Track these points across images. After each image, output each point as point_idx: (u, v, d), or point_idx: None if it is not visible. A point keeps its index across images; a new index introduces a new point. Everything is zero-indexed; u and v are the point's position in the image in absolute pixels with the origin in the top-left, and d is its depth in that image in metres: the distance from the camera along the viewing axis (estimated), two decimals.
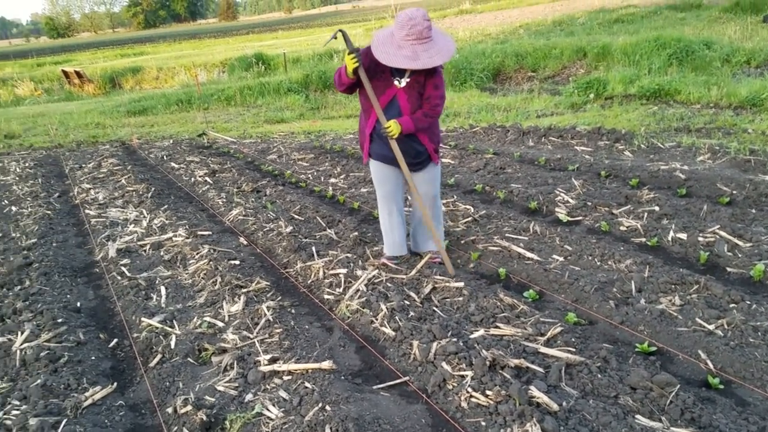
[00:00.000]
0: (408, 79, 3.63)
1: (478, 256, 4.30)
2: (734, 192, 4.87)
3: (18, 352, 3.36)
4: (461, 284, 3.71)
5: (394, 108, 3.67)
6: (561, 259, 4.06)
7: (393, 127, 3.59)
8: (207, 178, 7.46)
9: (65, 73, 25.26)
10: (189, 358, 3.25)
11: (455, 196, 5.53)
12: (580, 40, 15.18)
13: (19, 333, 3.55)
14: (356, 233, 4.79)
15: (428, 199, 4.02)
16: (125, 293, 4.18)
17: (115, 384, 3.11)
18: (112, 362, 3.39)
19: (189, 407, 2.73)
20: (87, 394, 2.97)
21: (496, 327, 3.21)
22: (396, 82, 3.65)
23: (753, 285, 3.50)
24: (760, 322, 2.99)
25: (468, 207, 5.19)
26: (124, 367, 3.35)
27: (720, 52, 11.67)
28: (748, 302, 3.18)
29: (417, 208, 4.13)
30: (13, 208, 6.68)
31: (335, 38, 3.69)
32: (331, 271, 4.14)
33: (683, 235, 4.15)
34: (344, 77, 3.60)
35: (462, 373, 2.75)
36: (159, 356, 3.30)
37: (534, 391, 2.54)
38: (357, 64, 3.50)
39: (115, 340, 3.65)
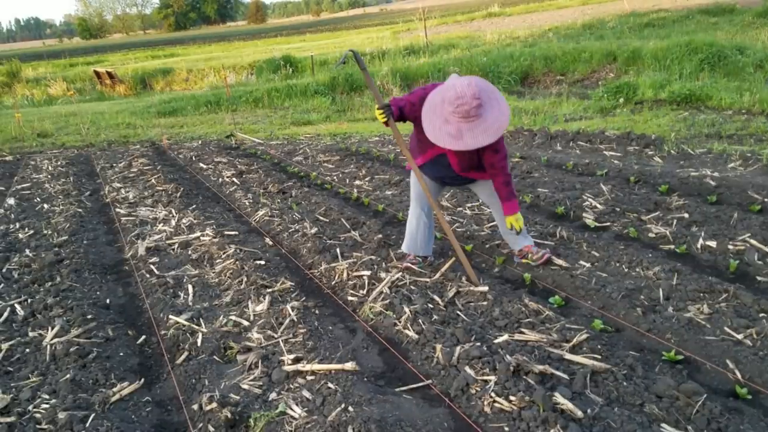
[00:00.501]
0: None
1: (503, 260, 4.28)
2: (766, 200, 4.77)
3: (48, 347, 3.44)
4: (485, 288, 3.69)
5: (441, 162, 3.70)
6: (588, 265, 4.02)
7: (516, 224, 3.75)
8: (234, 179, 7.55)
9: (97, 73, 25.78)
10: (215, 356, 3.29)
11: (481, 200, 5.50)
12: (610, 44, 15.03)
13: (50, 328, 3.64)
14: (380, 235, 4.80)
15: (496, 195, 3.93)
16: (153, 291, 4.25)
17: (143, 380, 3.16)
18: (139, 358, 3.45)
19: (214, 404, 2.77)
20: (115, 389, 3.02)
21: (521, 332, 3.19)
22: None
23: None
24: None
25: (489, 210, 5.16)
26: (151, 364, 3.40)
27: (753, 58, 11.44)
28: None
29: (495, 209, 4.07)
30: (45, 206, 6.84)
31: (345, 63, 3.68)
32: (355, 273, 4.16)
33: (713, 243, 4.07)
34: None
35: (485, 377, 2.74)
36: (185, 353, 3.35)
37: (558, 398, 2.52)
38: (385, 120, 3.51)
39: (143, 336, 3.71)
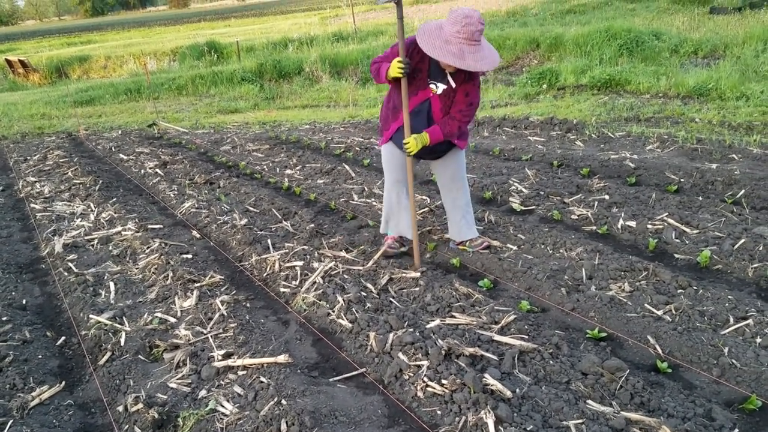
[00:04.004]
0: (445, 87, 3.55)
1: (434, 246, 4.32)
2: (682, 180, 5.03)
3: None
4: (417, 274, 3.72)
5: (423, 113, 3.60)
6: (515, 247, 4.12)
7: (412, 144, 3.52)
8: (158, 170, 7.28)
9: (9, 62, 24.24)
10: (140, 355, 3.17)
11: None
12: (533, 31, 15.40)
13: None
14: (313, 225, 4.75)
15: (455, 181, 3.94)
16: (73, 289, 4.05)
17: (64, 383, 3.02)
18: (59, 361, 3.28)
19: (140, 405, 2.67)
20: (34, 393, 2.87)
21: (452, 316, 3.23)
22: (432, 86, 3.57)
23: (700, 271, 3.62)
24: (707, 307, 3.10)
25: (424, 197, 5.21)
26: (72, 366, 3.24)
27: (669, 43, 12.01)
28: (695, 288, 3.28)
29: (446, 196, 4.07)
30: None
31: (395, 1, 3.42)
32: (287, 264, 4.10)
33: (632, 223, 4.25)
34: (383, 76, 3.49)
35: (418, 363, 2.76)
36: (108, 354, 3.21)
37: (488, 379, 2.57)
38: (402, 74, 3.38)
39: (63, 338, 3.53)
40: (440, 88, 3.57)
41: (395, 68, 3.37)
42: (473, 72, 3.55)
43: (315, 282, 3.78)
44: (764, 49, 10.29)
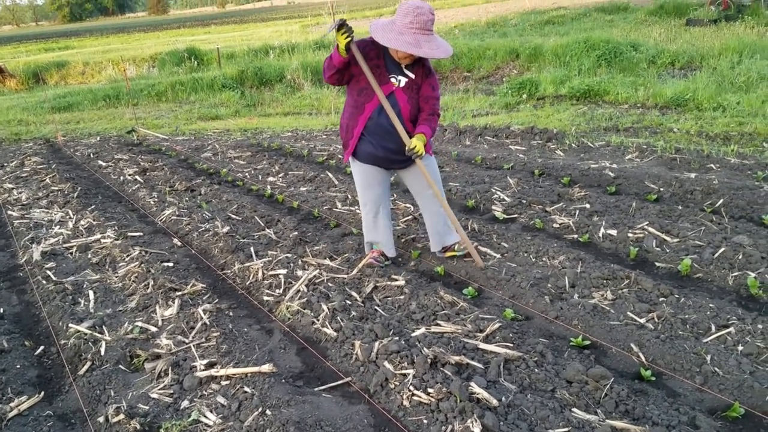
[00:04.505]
0: (406, 79, 3.55)
1: (418, 254, 4.32)
2: (661, 189, 5.09)
3: None
4: (402, 282, 3.72)
5: (392, 108, 3.56)
6: (498, 256, 4.14)
7: (419, 146, 3.50)
8: (137, 177, 7.19)
9: None
10: (120, 365, 3.12)
11: (395, 195, 5.54)
12: (512, 42, 15.54)
13: None
14: (296, 233, 4.73)
15: (431, 187, 3.86)
16: (51, 298, 3.97)
17: (43, 393, 2.96)
18: (38, 370, 3.22)
19: (121, 416, 2.62)
20: (12, 404, 2.81)
21: (437, 324, 3.23)
22: (393, 80, 3.55)
23: (681, 279, 3.67)
24: (688, 315, 3.13)
25: (408, 206, 5.22)
26: (51, 376, 3.18)
27: (646, 54, 12.19)
28: (677, 296, 3.32)
29: (424, 204, 4.03)
30: None
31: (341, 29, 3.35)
32: (271, 272, 4.07)
33: (613, 232, 4.30)
34: (336, 58, 3.40)
35: (404, 371, 2.75)
36: (88, 364, 3.14)
37: (474, 388, 2.57)
38: (349, 39, 3.32)
39: (42, 347, 3.46)
40: (402, 81, 3.56)
41: (340, 38, 3.31)
42: (429, 66, 3.62)
43: (299, 290, 3.76)
44: (740, 60, 10.50)
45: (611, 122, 8.18)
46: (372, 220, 4.00)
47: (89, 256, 4.69)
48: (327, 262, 4.16)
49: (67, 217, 5.67)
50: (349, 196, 5.65)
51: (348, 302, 3.53)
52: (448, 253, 4.16)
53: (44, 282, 4.24)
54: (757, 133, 6.83)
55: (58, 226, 5.42)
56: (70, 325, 3.52)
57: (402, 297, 3.59)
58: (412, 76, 3.57)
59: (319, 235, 4.77)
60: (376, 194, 3.90)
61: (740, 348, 2.86)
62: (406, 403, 2.59)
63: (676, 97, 8.86)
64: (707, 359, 2.78)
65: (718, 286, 3.55)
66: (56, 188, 6.72)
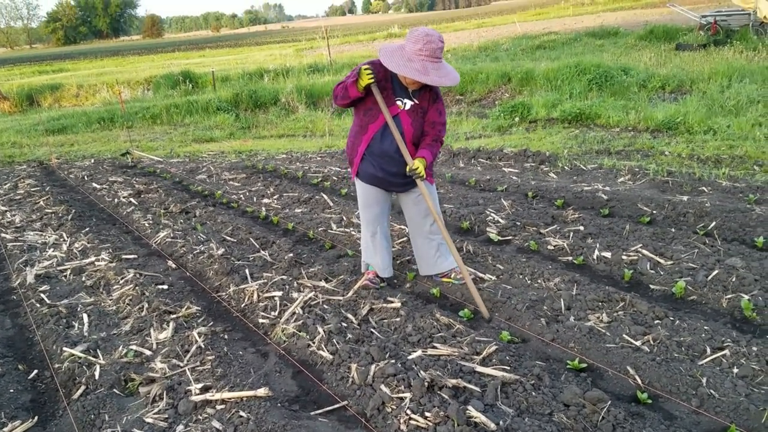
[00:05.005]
0: (412, 103, 3.60)
1: (413, 275, 4.32)
2: (654, 212, 5.13)
3: None
4: (398, 304, 3.71)
5: (395, 128, 3.59)
6: (493, 277, 4.15)
7: (420, 168, 3.53)
8: (132, 199, 7.19)
9: None
10: (115, 389, 3.09)
11: (390, 216, 5.54)
12: (504, 66, 15.73)
13: None
14: (291, 254, 4.73)
15: (429, 216, 3.88)
16: (45, 321, 3.94)
17: (36, 418, 2.93)
18: (32, 395, 3.18)
19: None
20: (6, 429, 2.79)
21: (434, 347, 3.22)
22: (399, 103, 3.60)
23: (675, 301, 3.68)
24: (683, 338, 3.14)
25: (403, 227, 5.23)
26: (45, 400, 3.15)
27: (637, 78, 12.35)
28: (672, 318, 3.33)
29: (416, 231, 4.05)
30: None
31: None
32: (266, 294, 4.06)
33: (608, 254, 4.32)
34: (352, 91, 3.48)
35: (401, 395, 2.74)
36: (83, 388, 3.11)
37: (472, 411, 2.56)
38: (372, 80, 3.42)
39: (35, 371, 3.43)
40: (407, 104, 3.62)
41: (365, 74, 3.42)
42: (437, 92, 3.66)
43: (294, 312, 3.75)
44: (729, 84, 10.65)
45: (603, 145, 8.26)
46: (370, 239, 4.04)
47: (83, 278, 4.66)
48: (322, 284, 4.15)
49: (61, 239, 5.65)
50: (344, 218, 5.66)
51: (344, 324, 3.52)
52: (445, 279, 4.16)
53: (38, 305, 4.21)
54: (748, 156, 6.91)
55: (51, 249, 5.40)
56: (64, 348, 3.49)
57: (398, 319, 3.58)
58: (418, 101, 3.62)
59: (315, 257, 4.77)
60: (374, 214, 3.94)
61: (735, 370, 2.87)
62: (403, 427, 2.58)
63: (667, 121, 8.96)
64: (703, 382, 2.78)
65: (713, 308, 3.56)
66: (50, 211, 6.70)
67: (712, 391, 2.72)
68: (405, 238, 5.01)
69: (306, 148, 10.75)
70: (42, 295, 4.35)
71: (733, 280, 3.71)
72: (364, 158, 3.76)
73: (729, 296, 3.57)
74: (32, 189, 7.95)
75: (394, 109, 3.61)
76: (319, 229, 5.50)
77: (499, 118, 11.21)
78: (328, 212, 6.00)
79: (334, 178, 7.51)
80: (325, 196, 6.45)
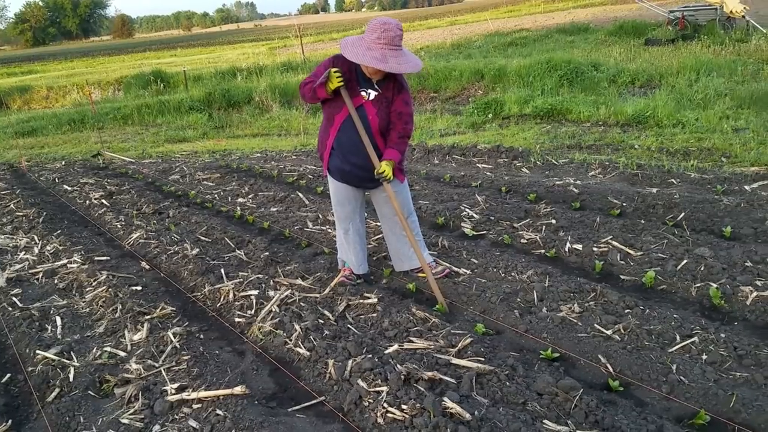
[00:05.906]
0: (376, 93, 3.60)
1: (390, 272, 4.34)
2: (624, 204, 5.22)
3: None
4: (375, 300, 3.74)
5: (360, 120, 3.60)
6: (468, 271, 4.19)
7: (387, 170, 3.53)
8: (103, 201, 7.10)
9: None
10: (90, 391, 3.06)
11: (366, 214, 5.56)
12: (477, 63, 15.83)
13: None
14: (267, 253, 4.72)
15: (402, 214, 3.85)
16: (17, 325, 3.89)
17: (10, 421, 2.90)
18: (5, 399, 3.15)
19: None
20: None
21: (410, 341, 3.25)
22: (363, 94, 3.60)
23: (645, 291, 3.76)
24: (653, 326, 3.22)
25: (379, 224, 5.24)
26: (18, 404, 3.11)
27: (606, 73, 12.54)
28: (642, 307, 3.41)
29: (389, 227, 4.06)
30: None
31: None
32: (242, 293, 4.05)
33: (579, 246, 4.39)
34: (321, 92, 3.50)
35: (378, 389, 2.76)
36: (57, 390, 3.09)
37: (447, 402, 2.59)
38: (342, 83, 3.43)
39: (8, 375, 3.39)
40: (371, 94, 3.62)
41: (334, 78, 3.43)
42: (402, 81, 3.66)
43: (271, 311, 3.75)
44: (697, 78, 10.87)
45: (574, 140, 8.37)
46: (343, 236, 4.05)
47: (56, 281, 4.60)
48: (299, 281, 4.16)
49: (33, 242, 5.57)
50: (320, 216, 5.66)
51: (321, 321, 3.54)
52: (420, 274, 4.19)
53: (10, 309, 4.15)
54: (716, 148, 7.07)
55: (23, 252, 5.32)
56: (38, 351, 3.45)
57: (375, 315, 3.60)
58: (382, 92, 3.63)
59: (291, 255, 4.77)
60: (346, 211, 3.96)
61: (704, 357, 2.94)
62: (380, 420, 2.60)
63: (636, 115, 9.11)
64: (673, 369, 2.85)
65: (682, 297, 3.65)
66: (21, 214, 6.60)
67: (681, 377, 2.79)
68: (380, 235, 5.02)
69: (281, 147, 10.71)
70: (14, 298, 4.29)
71: (702, 269, 3.80)
72: (333, 152, 3.76)
73: (698, 285, 3.66)
74: (2, 192, 7.82)
75: (358, 99, 3.61)
76: (295, 227, 5.50)
77: (472, 115, 11.28)
78: (304, 210, 6.00)
79: (310, 176, 7.51)
80: (300, 195, 6.44)
